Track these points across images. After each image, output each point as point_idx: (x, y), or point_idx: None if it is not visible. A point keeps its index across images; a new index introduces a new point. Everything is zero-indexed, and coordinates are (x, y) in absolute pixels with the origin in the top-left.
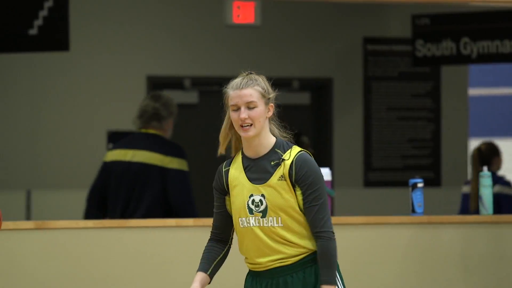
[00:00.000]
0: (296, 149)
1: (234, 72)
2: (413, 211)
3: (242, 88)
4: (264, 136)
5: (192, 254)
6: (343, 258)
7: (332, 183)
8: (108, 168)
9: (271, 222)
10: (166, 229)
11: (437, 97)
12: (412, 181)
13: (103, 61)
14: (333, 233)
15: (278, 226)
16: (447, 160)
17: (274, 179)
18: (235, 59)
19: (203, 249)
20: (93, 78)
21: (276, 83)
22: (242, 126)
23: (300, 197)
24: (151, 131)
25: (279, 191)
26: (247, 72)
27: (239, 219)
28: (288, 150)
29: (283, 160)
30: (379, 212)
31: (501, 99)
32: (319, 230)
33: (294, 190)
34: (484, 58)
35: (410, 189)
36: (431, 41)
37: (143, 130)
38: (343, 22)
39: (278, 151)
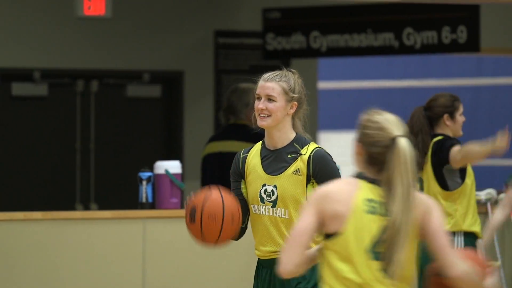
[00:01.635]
0: (313, 145)
1: (85, 65)
2: None
3: (267, 80)
4: (284, 131)
5: (41, 247)
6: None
7: (182, 176)
8: (205, 162)
9: (279, 212)
10: (14, 222)
11: None
12: None
13: None
14: None
15: (285, 217)
16: None
17: (289, 171)
18: (86, 52)
19: (52, 242)
20: None
21: (127, 75)
22: (259, 115)
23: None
24: (238, 121)
25: (291, 183)
26: (286, 69)
27: (252, 205)
28: (306, 145)
29: (300, 154)
30: None
31: (350, 92)
32: None
33: (307, 185)
34: (334, 52)
35: None
36: (281, 34)
37: (231, 122)
38: (194, 15)
39: (296, 145)
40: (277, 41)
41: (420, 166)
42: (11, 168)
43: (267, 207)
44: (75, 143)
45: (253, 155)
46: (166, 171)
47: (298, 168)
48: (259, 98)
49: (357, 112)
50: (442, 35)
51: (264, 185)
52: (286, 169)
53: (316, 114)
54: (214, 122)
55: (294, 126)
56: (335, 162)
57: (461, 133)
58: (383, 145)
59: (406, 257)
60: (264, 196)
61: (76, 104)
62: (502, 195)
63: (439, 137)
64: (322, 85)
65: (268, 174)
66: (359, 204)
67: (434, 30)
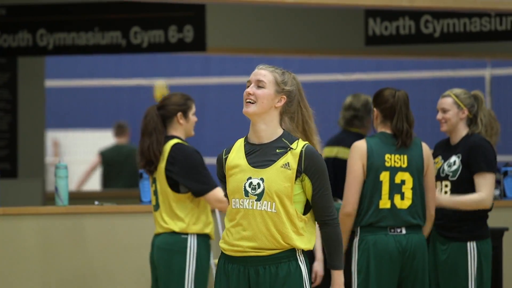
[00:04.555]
0: (303, 142)
1: None
2: None
3: (261, 68)
4: (271, 125)
5: None
6: None
7: None
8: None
9: (265, 206)
10: None
11: (13, 88)
12: None
13: None
14: (337, 219)
15: (271, 211)
16: (23, 151)
17: (277, 165)
18: None
19: None
20: None
21: None
22: (245, 101)
23: (300, 189)
24: (353, 129)
25: (280, 177)
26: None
27: (233, 200)
28: (295, 141)
29: (291, 148)
30: None
31: (77, 90)
32: (328, 217)
33: (295, 181)
34: (61, 50)
35: None
36: (7, 31)
37: (346, 128)
38: None
39: (285, 140)
40: (3, 38)
41: (155, 165)
42: None
43: (251, 200)
44: None
45: (235, 153)
46: None
47: (288, 162)
48: (249, 85)
49: (86, 111)
50: (169, 34)
51: (250, 178)
52: (275, 162)
53: (43, 113)
54: None
55: (283, 124)
56: (322, 158)
57: (193, 133)
58: None
59: None
60: (249, 189)
61: None
62: None
63: (177, 140)
64: (50, 83)
65: (254, 167)
66: None
67: (161, 29)
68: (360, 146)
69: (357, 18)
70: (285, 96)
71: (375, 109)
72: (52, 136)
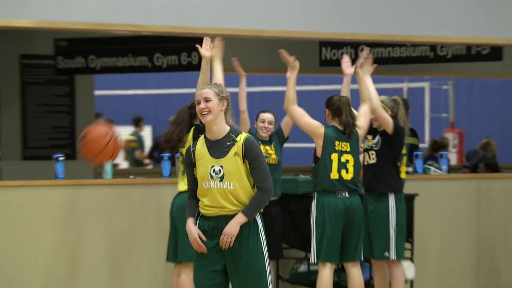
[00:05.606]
0: (244, 134)
1: None
2: (57, 176)
3: (202, 89)
4: (220, 124)
5: None
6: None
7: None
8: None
9: (226, 185)
10: None
11: (72, 97)
12: (55, 155)
13: None
14: (270, 190)
15: (230, 188)
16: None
17: (230, 154)
18: None
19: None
20: None
21: None
22: (202, 114)
23: (248, 167)
24: None
25: (233, 163)
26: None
27: (203, 182)
28: (239, 134)
29: (236, 141)
30: (36, 178)
31: (116, 97)
32: (262, 184)
33: (244, 162)
34: (106, 70)
35: (55, 161)
36: (67, 57)
37: None
38: (4, 42)
39: (232, 135)
40: (65, 62)
41: (175, 146)
42: None
43: (215, 181)
44: None
45: (200, 146)
46: None
47: (236, 152)
48: (199, 103)
49: (123, 112)
50: (181, 59)
51: (213, 166)
52: (228, 153)
53: (93, 114)
54: (21, 119)
55: (227, 121)
56: (258, 145)
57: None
58: None
59: None
60: (213, 174)
61: None
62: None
63: (195, 125)
64: (98, 92)
65: (214, 158)
66: None
67: (176, 54)
68: (321, 130)
69: (313, 46)
70: (225, 100)
71: (327, 109)
72: None
